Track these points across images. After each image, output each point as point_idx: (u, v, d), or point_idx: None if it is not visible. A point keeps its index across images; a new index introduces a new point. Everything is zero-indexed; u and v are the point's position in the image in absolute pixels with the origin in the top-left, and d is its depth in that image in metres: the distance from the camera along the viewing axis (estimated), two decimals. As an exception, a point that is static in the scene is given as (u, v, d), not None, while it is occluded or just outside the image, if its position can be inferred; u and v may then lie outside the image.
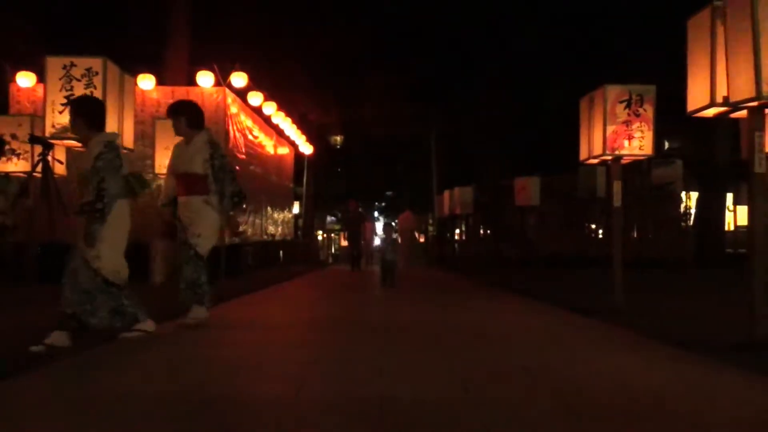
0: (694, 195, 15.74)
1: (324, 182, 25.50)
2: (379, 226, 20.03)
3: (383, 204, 41.78)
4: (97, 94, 5.40)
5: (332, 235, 34.03)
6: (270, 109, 13.89)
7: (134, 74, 6.99)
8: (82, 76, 5.41)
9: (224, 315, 6.69)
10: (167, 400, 3.09)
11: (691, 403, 3.04)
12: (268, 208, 15.17)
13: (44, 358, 3.98)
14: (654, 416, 2.81)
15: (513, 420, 2.76)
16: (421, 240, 34.12)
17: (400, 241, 21.26)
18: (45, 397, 3.17)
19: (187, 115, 5.41)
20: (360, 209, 18.14)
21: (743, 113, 4.35)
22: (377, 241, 10.09)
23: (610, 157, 6.25)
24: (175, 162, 5.53)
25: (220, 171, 5.22)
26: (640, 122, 6.09)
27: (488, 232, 19.83)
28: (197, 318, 5.30)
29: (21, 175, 7.60)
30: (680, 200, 14.98)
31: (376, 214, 39.76)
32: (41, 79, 7.71)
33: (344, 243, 24.11)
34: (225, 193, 5.21)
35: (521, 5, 16.61)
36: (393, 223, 12.06)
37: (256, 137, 13.86)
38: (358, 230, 16.45)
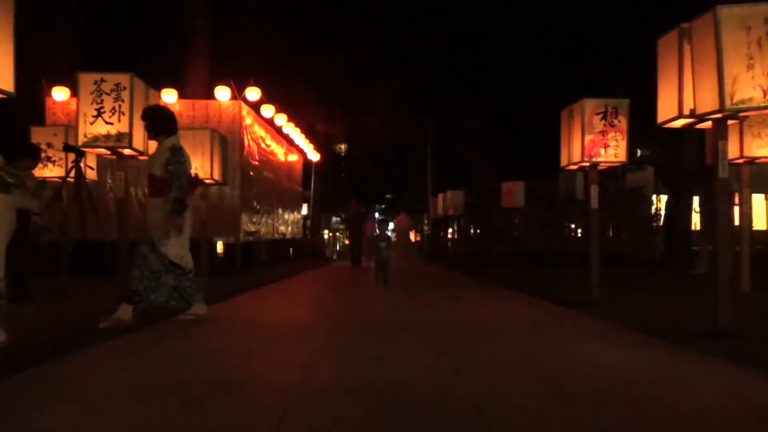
0: (664, 198, 15.70)
1: (329, 186, 25.49)
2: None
3: (383, 206, 41.76)
4: (125, 106, 5.38)
5: (337, 233, 33.97)
6: (281, 120, 13.89)
7: (158, 89, 6.97)
8: (111, 90, 5.39)
9: (238, 307, 6.69)
10: (183, 384, 3.09)
11: (663, 385, 3.03)
12: (279, 210, 15.18)
13: (72, 346, 3.98)
14: (630, 398, 2.80)
15: (502, 402, 2.75)
16: (417, 238, 34.15)
17: (396, 239, 21.26)
18: (70, 383, 3.17)
19: (147, 122, 5.21)
20: (363, 210, 17.88)
21: (708, 124, 4.35)
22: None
23: (587, 164, 6.24)
24: (147, 164, 5.44)
25: (172, 176, 4.94)
26: (615, 132, 6.08)
27: (477, 231, 19.81)
28: (197, 313, 5.16)
29: (56, 180, 7.59)
30: (651, 203, 14.96)
31: (377, 215, 39.76)
32: (74, 93, 7.68)
33: (348, 241, 23.50)
34: (169, 197, 4.93)
35: (507, 29, 16.62)
36: (391, 224, 11.99)
37: (268, 146, 13.86)
38: (359, 228, 15.76)
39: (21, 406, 2.69)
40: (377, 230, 9.98)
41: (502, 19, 16.66)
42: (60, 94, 10.62)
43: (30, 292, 6.35)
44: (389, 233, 10.71)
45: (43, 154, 7.88)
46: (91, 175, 7.93)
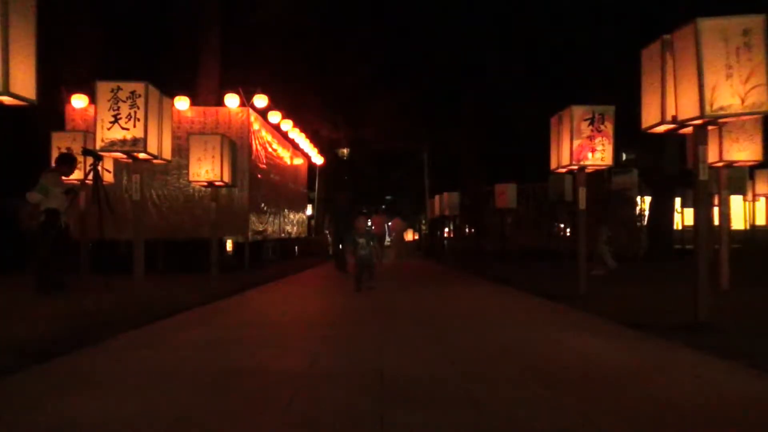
0: (648, 199, 15.72)
1: (333, 188, 25.48)
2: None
3: (383, 207, 41.77)
4: (140, 113, 5.39)
5: (340, 233, 33.83)
6: (287, 125, 13.89)
7: (172, 96, 6.96)
8: (127, 98, 5.39)
9: (248, 301, 6.70)
10: (198, 373, 3.09)
11: (646, 375, 3.04)
12: (286, 210, 15.18)
13: (96, 337, 3.99)
14: (614, 386, 2.81)
15: (493, 389, 2.75)
16: (415, 237, 34.16)
17: (390, 239, 21.22)
18: (96, 371, 3.17)
19: None
20: (366, 212, 17.45)
21: (689, 130, 4.36)
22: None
23: (576, 167, 6.25)
24: None
25: None
26: (602, 137, 6.09)
27: (472, 230, 19.82)
28: None
29: (75, 182, 7.62)
30: (635, 204, 14.98)
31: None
32: (93, 100, 7.69)
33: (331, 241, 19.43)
34: None
35: (498, 44, 16.67)
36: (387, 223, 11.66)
37: (275, 150, 13.86)
38: (348, 226, 11.75)
39: (50, 392, 2.70)
40: (358, 227, 7.83)
41: (492, 34, 16.70)
42: (79, 101, 10.64)
43: (65, 285, 6.50)
44: (377, 229, 8.41)
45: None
46: (108, 177, 7.97)
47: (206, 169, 7.50)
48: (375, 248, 7.59)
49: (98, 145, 5.43)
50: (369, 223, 6.93)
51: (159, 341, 4.07)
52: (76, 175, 7.53)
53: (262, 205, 12.46)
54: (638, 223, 14.86)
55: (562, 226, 17.05)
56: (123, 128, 5.39)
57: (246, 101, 11.07)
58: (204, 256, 8.56)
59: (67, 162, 7.05)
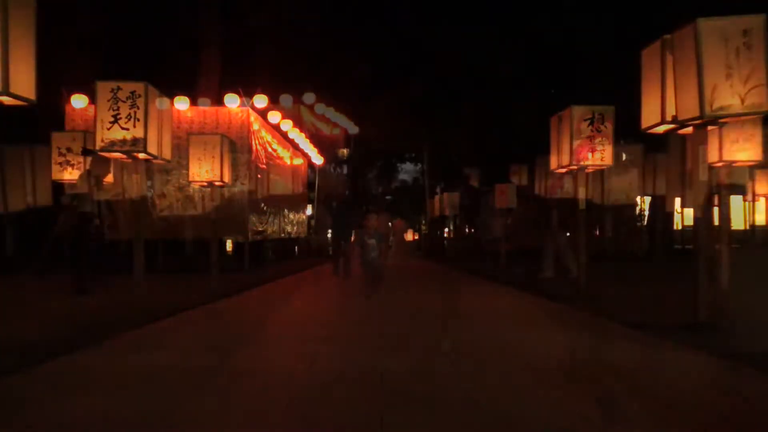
0: (648, 199, 15.71)
1: (332, 188, 25.47)
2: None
3: (383, 207, 41.75)
4: (140, 113, 5.38)
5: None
6: (287, 125, 13.87)
7: (171, 96, 6.96)
8: (127, 98, 5.38)
9: (248, 301, 6.70)
10: (198, 373, 3.10)
11: (645, 374, 3.04)
12: (285, 210, 15.17)
13: (98, 337, 3.99)
14: (614, 386, 2.81)
15: (492, 389, 2.75)
16: (415, 237, 34.21)
17: (392, 239, 21.25)
18: (97, 372, 3.17)
19: None
20: (371, 212, 17.06)
21: (689, 130, 4.36)
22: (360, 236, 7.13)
23: (576, 167, 6.24)
24: None
25: None
26: (602, 137, 6.09)
27: (472, 230, 19.82)
28: None
29: (75, 182, 7.60)
30: (635, 204, 14.98)
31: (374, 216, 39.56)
32: (92, 100, 7.67)
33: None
34: None
35: (499, 40, 16.66)
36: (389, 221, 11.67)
37: (275, 150, 13.85)
38: (347, 225, 10.87)
39: (50, 392, 2.70)
40: (364, 225, 7.05)
41: (492, 34, 16.70)
42: (79, 101, 10.63)
43: (87, 287, 6.52)
44: (381, 229, 7.35)
45: (62, 158, 7.92)
46: (108, 177, 7.95)
47: (206, 169, 7.50)
48: (382, 249, 7.06)
49: (98, 145, 5.42)
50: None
51: (159, 341, 4.07)
52: (76, 175, 7.51)
53: (262, 205, 12.45)
54: (638, 224, 14.85)
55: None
56: (123, 128, 5.38)
57: (246, 101, 11.06)
58: (204, 256, 8.55)
59: (91, 155, 6.84)
